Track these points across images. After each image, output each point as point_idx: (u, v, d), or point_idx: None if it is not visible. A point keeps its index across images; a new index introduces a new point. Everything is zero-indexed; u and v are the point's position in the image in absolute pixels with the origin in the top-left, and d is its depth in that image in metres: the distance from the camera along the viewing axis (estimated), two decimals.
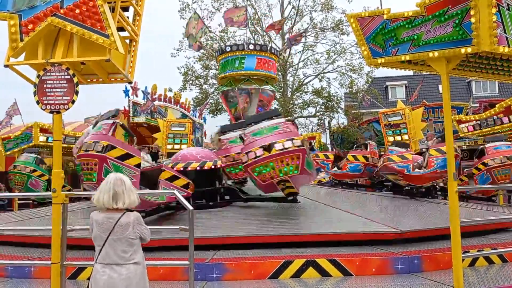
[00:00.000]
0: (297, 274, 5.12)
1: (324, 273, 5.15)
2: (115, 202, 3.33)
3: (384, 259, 5.32)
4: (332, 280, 5.05)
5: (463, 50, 4.21)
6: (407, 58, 4.77)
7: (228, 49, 12.73)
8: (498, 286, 4.54)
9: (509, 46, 4.10)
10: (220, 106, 27.38)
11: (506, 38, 4.08)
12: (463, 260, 4.66)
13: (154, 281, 4.64)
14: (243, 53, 12.31)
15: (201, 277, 4.96)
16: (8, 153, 15.48)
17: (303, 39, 28.65)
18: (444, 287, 4.56)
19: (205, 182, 8.12)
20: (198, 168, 7.89)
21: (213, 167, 8.00)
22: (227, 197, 8.38)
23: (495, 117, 12.76)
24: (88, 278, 3.44)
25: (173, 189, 6.44)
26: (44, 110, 4.23)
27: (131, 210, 3.40)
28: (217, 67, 13.05)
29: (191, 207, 4.13)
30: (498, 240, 6.62)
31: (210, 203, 8.07)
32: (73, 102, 4.22)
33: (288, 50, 26.78)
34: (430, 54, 4.46)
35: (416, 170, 8.99)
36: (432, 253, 5.53)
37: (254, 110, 12.83)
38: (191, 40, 15.35)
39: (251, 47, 12.63)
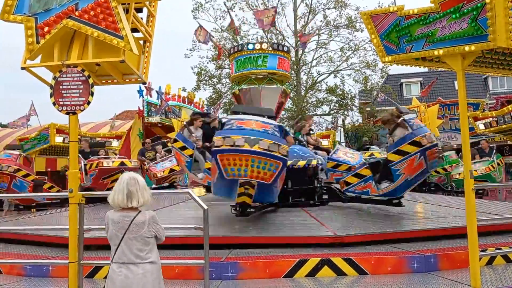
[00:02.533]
0: (312, 273, 5.11)
1: (339, 272, 5.12)
2: (129, 201, 3.37)
3: (400, 258, 5.27)
4: (347, 279, 5.03)
5: (479, 46, 4.15)
6: (422, 55, 4.72)
7: (251, 47, 12.51)
8: None
9: None
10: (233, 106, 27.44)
11: None
12: (480, 258, 4.60)
13: (170, 280, 4.68)
14: (266, 51, 12.26)
15: (216, 276, 4.99)
16: (25, 154, 15.74)
17: (316, 37, 28.56)
18: (461, 286, 4.50)
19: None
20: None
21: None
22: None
23: None
24: (105, 277, 3.48)
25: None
26: (60, 111, 4.30)
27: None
28: (230, 66, 12.97)
29: (205, 206, 4.15)
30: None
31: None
32: (88, 103, 4.28)
33: (300, 50, 26.71)
34: (446, 51, 4.40)
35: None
36: (449, 251, 5.46)
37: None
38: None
39: (275, 46, 12.60)
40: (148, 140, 14.43)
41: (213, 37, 16.05)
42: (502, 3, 3.94)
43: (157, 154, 13.21)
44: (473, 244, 4.42)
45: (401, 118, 6.87)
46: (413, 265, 5.18)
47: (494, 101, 19.31)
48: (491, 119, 13.27)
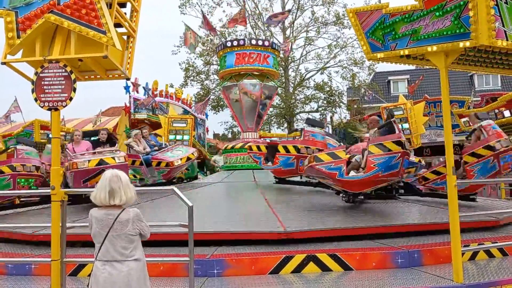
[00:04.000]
0: (298, 269, 5.13)
1: (324, 267, 5.15)
2: (112, 199, 3.33)
3: (384, 254, 5.32)
4: (332, 274, 5.06)
5: (461, 44, 4.20)
6: (406, 52, 4.76)
7: (254, 42, 12.53)
8: (497, 279, 4.54)
9: (507, 40, 4.09)
10: (222, 102, 27.40)
11: (505, 31, 4.07)
12: (463, 254, 4.67)
13: (155, 277, 4.65)
14: (266, 50, 12.32)
15: (201, 273, 4.98)
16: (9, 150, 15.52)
17: (304, 33, 28.61)
18: (444, 280, 4.56)
19: None
20: None
21: None
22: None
23: (496, 110, 12.72)
24: (89, 275, 3.45)
25: None
26: (42, 107, 4.23)
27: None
28: (218, 62, 12.94)
29: (190, 204, 4.14)
30: (499, 234, 6.60)
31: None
32: (71, 99, 4.22)
33: (289, 45, 26.70)
34: (429, 48, 4.45)
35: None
36: (432, 247, 5.52)
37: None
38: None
39: (267, 44, 12.61)
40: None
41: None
42: (484, 1, 3.98)
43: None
44: (456, 240, 4.49)
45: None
46: (397, 261, 5.24)
47: (479, 98, 19.55)
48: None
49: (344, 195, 7.48)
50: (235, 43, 12.46)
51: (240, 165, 11.99)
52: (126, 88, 19.09)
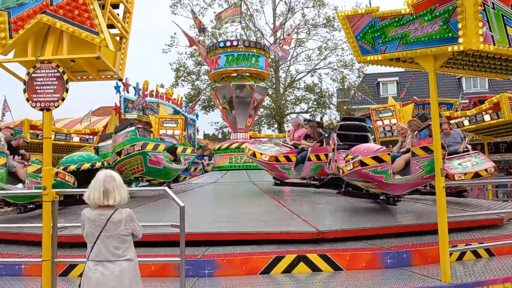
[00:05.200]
0: (288, 270, 5.17)
1: (315, 268, 5.20)
2: (106, 199, 3.35)
3: (373, 254, 5.39)
4: (323, 275, 5.11)
5: (449, 48, 4.28)
6: (396, 55, 4.83)
7: (246, 44, 12.55)
8: (484, 279, 4.63)
9: (494, 44, 4.17)
10: (212, 103, 27.39)
11: (492, 36, 4.15)
12: (451, 254, 4.75)
13: (146, 277, 4.66)
14: (258, 51, 12.40)
15: (192, 274, 4.99)
16: None
17: (295, 35, 28.71)
18: (431, 280, 4.63)
19: None
20: None
21: None
22: None
23: (484, 113, 12.89)
24: (80, 275, 3.46)
25: None
26: (34, 107, 4.23)
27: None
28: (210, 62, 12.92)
29: (182, 204, 4.16)
30: (490, 234, 6.71)
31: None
32: (63, 99, 4.23)
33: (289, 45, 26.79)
34: (418, 52, 4.52)
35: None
36: (421, 247, 5.61)
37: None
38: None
39: (259, 46, 12.67)
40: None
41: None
42: (472, 7, 4.07)
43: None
44: (444, 240, 4.57)
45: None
46: (386, 261, 5.30)
47: (467, 100, 19.80)
48: (463, 118, 13.61)
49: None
50: (227, 43, 12.49)
51: (233, 166, 12.00)
52: (117, 88, 19.01)
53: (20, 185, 7.64)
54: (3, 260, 5.44)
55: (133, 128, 8.91)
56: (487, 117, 12.62)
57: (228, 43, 12.44)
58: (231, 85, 12.49)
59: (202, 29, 16.71)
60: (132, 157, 8.62)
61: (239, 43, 12.35)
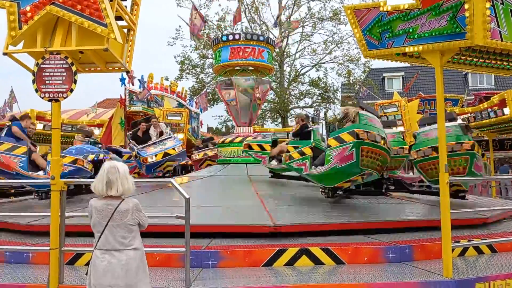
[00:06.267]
0: (291, 262, 5.21)
1: (317, 261, 5.24)
2: (108, 190, 3.41)
3: (376, 248, 5.42)
4: (325, 268, 5.15)
5: (457, 44, 4.28)
6: (402, 50, 4.84)
7: (249, 37, 12.54)
8: (486, 275, 4.66)
9: (502, 40, 4.17)
10: (216, 96, 27.41)
11: (499, 32, 4.15)
12: (453, 250, 4.78)
13: (151, 267, 4.71)
14: (261, 44, 12.34)
15: (196, 264, 5.05)
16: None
17: (300, 29, 28.63)
18: (433, 275, 4.66)
19: None
20: None
21: None
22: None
23: (489, 109, 12.85)
24: (87, 264, 3.52)
25: None
26: (42, 98, 4.28)
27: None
28: (213, 56, 12.96)
29: (187, 195, 4.21)
30: (489, 231, 6.73)
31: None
32: (71, 90, 4.27)
33: (285, 40, 26.73)
34: (425, 47, 4.52)
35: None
36: (423, 242, 5.63)
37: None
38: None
39: (261, 38, 12.63)
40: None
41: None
42: (480, 2, 4.06)
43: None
44: (446, 236, 4.59)
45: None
46: (388, 256, 5.34)
47: (473, 97, 19.72)
48: (468, 114, 13.56)
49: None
50: (230, 37, 12.47)
51: (234, 159, 12.06)
52: (122, 80, 19.06)
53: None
54: (12, 248, 5.52)
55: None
56: (500, 113, 12.52)
57: (230, 37, 12.44)
58: (233, 79, 12.51)
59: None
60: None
61: (241, 36, 12.35)
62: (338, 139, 6.51)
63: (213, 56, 13.73)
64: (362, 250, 5.40)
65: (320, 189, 7.68)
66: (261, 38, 12.57)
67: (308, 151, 7.24)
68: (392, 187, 8.75)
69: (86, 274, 3.47)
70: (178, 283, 4.36)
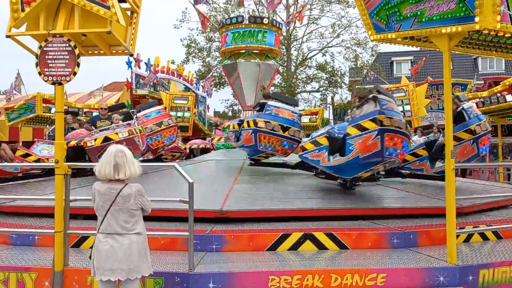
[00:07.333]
0: (295, 247, 5.23)
1: (321, 246, 5.25)
2: (116, 173, 3.41)
3: (380, 234, 5.41)
4: (328, 253, 5.16)
5: (466, 27, 4.18)
6: (410, 34, 4.75)
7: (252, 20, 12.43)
8: (490, 261, 4.64)
9: None
10: (223, 80, 27.30)
11: (510, 15, 4.05)
12: (458, 236, 4.76)
13: (155, 251, 4.76)
14: (265, 27, 12.18)
15: (201, 248, 5.08)
16: (11, 123, 15.59)
17: (307, 12, 28.26)
18: (437, 261, 4.66)
19: None
20: None
21: None
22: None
23: (498, 94, 12.68)
24: (91, 247, 3.55)
25: None
26: (46, 81, 4.27)
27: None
28: (220, 39, 12.87)
29: (191, 180, 4.20)
30: (495, 217, 6.69)
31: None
32: (74, 73, 4.25)
33: (292, 24, 26.41)
34: (433, 31, 4.43)
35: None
36: (428, 228, 5.62)
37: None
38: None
39: (266, 21, 12.43)
40: (104, 106, 10.91)
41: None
42: None
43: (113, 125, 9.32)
44: (451, 222, 4.57)
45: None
46: (392, 241, 5.33)
47: (482, 81, 19.46)
48: (477, 99, 13.41)
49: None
50: (234, 20, 12.33)
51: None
52: (128, 63, 19.04)
53: None
54: (17, 230, 5.58)
55: None
56: (509, 97, 12.38)
57: (234, 20, 12.31)
58: (236, 62, 12.40)
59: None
60: None
61: (244, 19, 12.20)
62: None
63: (220, 39, 13.61)
64: (366, 235, 5.39)
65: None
66: (266, 20, 12.37)
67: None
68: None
69: (90, 257, 3.50)
70: (182, 266, 4.39)
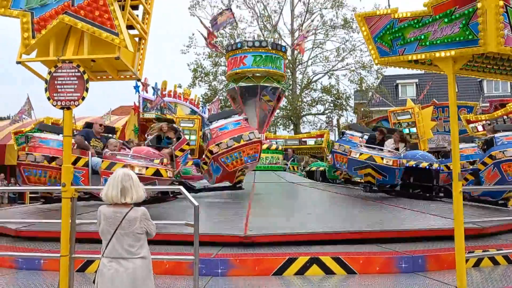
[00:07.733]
0: (301, 271, 5.16)
1: (328, 270, 5.18)
2: (123, 197, 3.41)
3: (388, 258, 5.34)
4: (336, 278, 5.09)
5: (470, 51, 4.21)
6: (414, 58, 4.78)
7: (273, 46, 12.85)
8: (502, 286, 4.55)
9: None
10: (229, 103, 27.48)
11: None
12: (467, 260, 4.67)
13: (159, 275, 4.72)
14: (281, 54, 12.75)
15: (206, 272, 5.03)
16: (20, 147, 15.69)
17: (312, 37, 28.63)
18: (447, 287, 4.57)
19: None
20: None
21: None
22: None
23: (505, 117, 12.65)
24: (96, 271, 3.52)
25: None
26: (55, 106, 4.32)
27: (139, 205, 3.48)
28: (226, 64, 13.12)
29: (196, 203, 4.20)
30: (505, 241, 6.58)
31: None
32: (83, 98, 4.30)
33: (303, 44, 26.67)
34: (437, 54, 4.46)
35: None
36: (437, 252, 5.53)
37: None
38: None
39: (281, 48, 12.97)
40: (102, 122, 9.63)
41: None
42: (493, 8, 4.00)
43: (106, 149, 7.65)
44: (460, 246, 4.49)
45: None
46: (401, 265, 5.25)
47: (488, 104, 19.44)
48: (484, 122, 13.37)
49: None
50: (256, 44, 12.67)
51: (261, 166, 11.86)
52: (136, 88, 19.23)
53: None
54: (23, 255, 5.56)
55: None
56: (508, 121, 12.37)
57: (257, 44, 12.57)
58: (236, 87, 12.61)
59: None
60: None
61: (268, 45, 12.60)
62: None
63: (226, 63, 13.83)
64: (374, 259, 5.33)
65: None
66: (283, 48, 12.76)
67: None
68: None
69: (94, 282, 3.47)
70: None
